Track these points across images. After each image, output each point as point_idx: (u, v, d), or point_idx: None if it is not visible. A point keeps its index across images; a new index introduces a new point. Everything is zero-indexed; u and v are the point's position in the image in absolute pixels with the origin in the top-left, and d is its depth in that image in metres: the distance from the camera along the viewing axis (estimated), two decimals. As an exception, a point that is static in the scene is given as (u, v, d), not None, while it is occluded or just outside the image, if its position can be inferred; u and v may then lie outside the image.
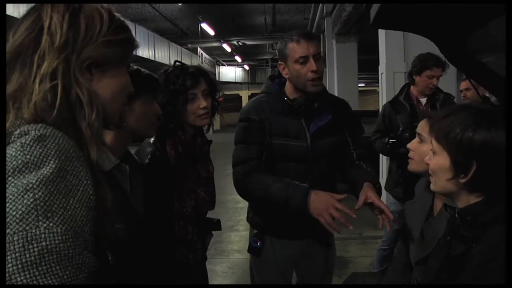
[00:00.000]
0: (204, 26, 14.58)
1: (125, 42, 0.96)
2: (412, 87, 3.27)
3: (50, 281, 0.67)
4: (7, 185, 0.70)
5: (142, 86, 1.40)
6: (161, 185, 1.69)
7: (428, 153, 1.25)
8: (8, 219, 0.67)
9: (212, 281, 3.38)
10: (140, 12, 13.06)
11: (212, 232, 2.05)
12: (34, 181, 0.70)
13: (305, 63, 1.93)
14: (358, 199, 1.88)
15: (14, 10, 6.32)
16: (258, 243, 2.10)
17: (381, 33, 5.39)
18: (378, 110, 5.78)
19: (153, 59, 14.69)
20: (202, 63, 17.85)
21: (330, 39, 11.18)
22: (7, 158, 0.72)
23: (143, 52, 15.23)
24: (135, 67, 1.47)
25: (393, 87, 4.81)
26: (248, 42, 17.54)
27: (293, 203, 1.81)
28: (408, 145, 1.62)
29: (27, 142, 0.73)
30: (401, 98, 3.30)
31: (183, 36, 16.81)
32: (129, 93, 1.01)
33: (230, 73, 25.60)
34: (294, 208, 1.81)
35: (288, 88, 2.06)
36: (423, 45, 2.59)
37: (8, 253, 0.66)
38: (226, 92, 25.07)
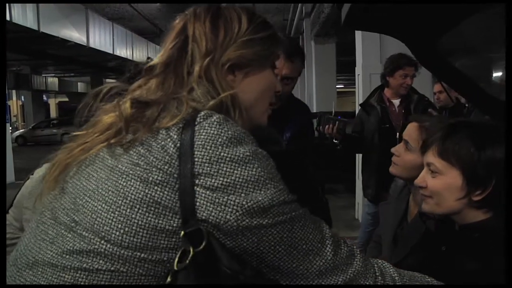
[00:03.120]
0: (183, 25, 14.48)
1: (267, 40, 0.93)
2: (386, 89, 3.27)
3: None
4: (221, 163, 0.71)
5: None
6: None
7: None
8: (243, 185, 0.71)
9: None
10: (118, 11, 12.90)
11: None
12: (248, 154, 0.73)
13: None
14: None
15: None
16: None
17: (358, 34, 5.43)
18: (355, 111, 5.84)
19: (131, 58, 14.54)
20: (181, 63, 17.68)
21: (309, 40, 11.22)
22: (207, 137, 0.72)
23: (121, 51, 15.06)
24: None
25: (369, 89, 4.81)
26: (227, 43, 17.51)
27: None
28: (393, 150, 1.59)
29: (221, 120, 0.74)
30: (372, 100, 3.30)
31: (162, 35, 16.67)
32: (277, 93, 0.99)
33: (209, 73, 25.51)
34: None
35: None
36: (399, 47, 2.58)
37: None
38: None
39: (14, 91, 24.20)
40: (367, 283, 0.77)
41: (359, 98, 5.18)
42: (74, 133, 0.85)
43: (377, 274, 0.80)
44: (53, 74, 24.65)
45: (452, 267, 1.10)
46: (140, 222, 0.70)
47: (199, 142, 0.72)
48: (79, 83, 28.15)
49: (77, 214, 0.73)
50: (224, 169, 0.71)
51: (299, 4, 10.34)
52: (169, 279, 0.69)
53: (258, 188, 0.72)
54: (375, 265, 0.81)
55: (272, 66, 0.96)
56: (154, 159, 0.72)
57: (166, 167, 0.71)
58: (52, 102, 34.21)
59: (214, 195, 0.70)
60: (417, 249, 1.24)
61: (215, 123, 0.74)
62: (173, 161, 0.71)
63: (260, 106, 0.94)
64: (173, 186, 0.71)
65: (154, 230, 0.70)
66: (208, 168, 0.71)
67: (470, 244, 1.09)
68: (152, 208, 0.70)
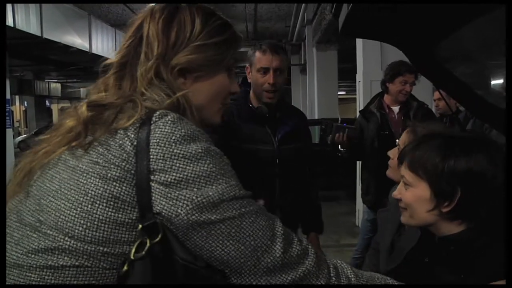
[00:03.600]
0: (186, 32, 14.51)
1: (221, 44, 0.94)
2: (385, 96, 3.29)
3: None
4: (174, 159, 0.74)
5: None
6: None
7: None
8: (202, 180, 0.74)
9: None
10: (121, 17, 12.94)
11: None
12: (200, 151, 0.76)
13: (265, 74, 2.04)
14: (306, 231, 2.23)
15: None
16: None
17: (359, 42, 5.45)
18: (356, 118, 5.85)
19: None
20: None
21: (310, 47, 11.24)
22: (161, 135, 0.76)
23: (124, 57, 15.09)
24: None
25: (370, 95, 4.83)
26: (229, 49, 17.55)
27: None
28: (389, 153, 1.62)
29: (175, 119, 0.78)
30: (372, 107, 3.32)
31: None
32: (233, 94, 1.01)
33: (212, 79, 25.53)
34: None
35: (252, 96, 2.16)
36: (400, 54, 2.61)
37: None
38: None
39: (17, 97, 24.30)
40: (319, 283, 0.78)
41: (360, 104, 5.19)
42: (40, 137, 0.88)
43: (332, 274, 0.80)
44: (56, 80, 24.74)
45: (434, 279, 1.10)
46: (101, 217, 0.73)
47: (154, 140, 0.75)
48: (81, 89, 28.21)
49: (42, 214, 0.76)
50: (177, 165, 0.74)
51: (301, 11, 10.36)
52: (125, 267, 0.72)
53: (210, 183, 0.75)
54: (331, 266, 0.82)
55: (228, 68, 0.97)
56: (113, 157, 0.75)
57: (123, 164, 0.75)
58: (55, 108, 34.26)
59: (167, 189, 0.74)
60: (410, 256, 1.24)
61: (169, 122, 0.77)
62: (130, 158, 0.75)
63: (210, 108, 0.96)
64: (130, 181, 0.74)
65: (115, 224, 0.73)
66: (162, 165, 0.74)
67: (447, 257, 1.09)
68: (112, 203, 0.73)
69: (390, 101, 3.26)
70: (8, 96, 10.12)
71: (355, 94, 5.95)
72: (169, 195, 0.73)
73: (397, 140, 3.04)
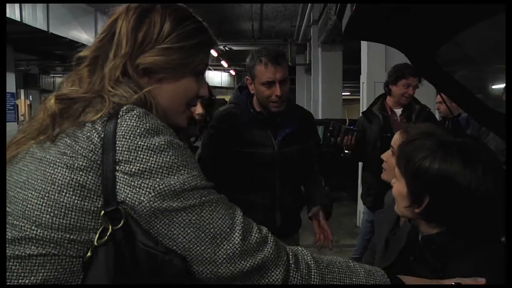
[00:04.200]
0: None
1: (189, 49, 0.95)
2: (388, 98, 3.30)
3: None
4: (138, 151, 0.78)
5: None
6: None
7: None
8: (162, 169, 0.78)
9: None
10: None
11: None
12: (163, 143, 0.79)
13: (270, 86, 1.99)
14: (310, 209, 2.17)
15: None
16: None
17: (363, 43, 5.45)
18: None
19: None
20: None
21: (316, 47, 11.24)
22: (127, 128, 0.79)
23: (129, 53, 15.10)
24: None
25: (373, 97, 4.83)
26: (234, 48, 17.54)
27: None
28: (382, 156, 1.63)
29: (141, 114, 0.81)
30: (374, 108, 3.32)
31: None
32: (201, 97, 1.02)
33: (216, 78, 25.53)
34: None
35: (255, 101, 2.15)
36: (404, 56, 2.62)
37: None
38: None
39: (22, 91, 24.39)
40: (278, 270, 0.81)
41: (363, 106, 5.19)
42: (18, 129, 0.91)
43: (291, 261, 0.83)
44: (61, 75, 24.81)
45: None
46: (68, 205, 0.76)
47: (120, 133, 0.79)
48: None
49: (9, 205, 0.78)
50: (141, 156, 0.78)
51: (307, 11, 10.36)
52: (89, 253, 0.76)
53: (172, 173, 0.78)
54: (290, 253, 0.84)
55: (197, 72, 0.98)
56: (80, 148, 0.78)
57: (90, 154, 0.78)
58: (60, 103, 34.35)
59: (131, 179, 0.77)
60: (404, 252, 1.25)
61: (134, 116, 0.81)
62: (97, 149, 0.79)
63: (174, 110, 0.98)
64: (96, 171, 0.78)
65: (81, 212, 0.76)
66: (127, 156, 0.78)
67: (429, 256, 1.11)
68: (78, 191, 0.76)
69: (393, 103, 3.26)
70: (13, 90, 10.17)
71: (360, 95, 5.95)
72: (132, 183, 0.77)
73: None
